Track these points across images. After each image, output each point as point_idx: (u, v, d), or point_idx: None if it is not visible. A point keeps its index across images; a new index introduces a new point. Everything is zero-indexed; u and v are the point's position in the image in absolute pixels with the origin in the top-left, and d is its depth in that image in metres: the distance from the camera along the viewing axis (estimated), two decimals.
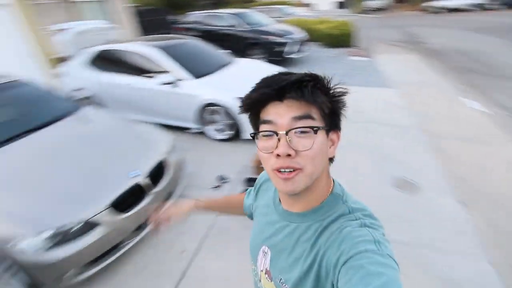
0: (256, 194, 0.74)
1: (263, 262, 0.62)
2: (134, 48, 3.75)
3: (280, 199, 0.61)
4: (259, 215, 0.70)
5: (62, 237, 1.54)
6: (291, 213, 0.58)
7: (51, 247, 1.50)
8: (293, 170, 0.48)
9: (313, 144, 0.47)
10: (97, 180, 1.85)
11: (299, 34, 7.46)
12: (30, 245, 1.46)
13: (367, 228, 0.48)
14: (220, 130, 3.56)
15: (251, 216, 0.80)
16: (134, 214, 1.84)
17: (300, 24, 9.53)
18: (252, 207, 0.76)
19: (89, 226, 1.63)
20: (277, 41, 6.64)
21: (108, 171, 1.92)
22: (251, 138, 0.54)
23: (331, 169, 0.59)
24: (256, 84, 0.52)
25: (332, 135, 0.53)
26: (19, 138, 2.03)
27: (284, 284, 0.55)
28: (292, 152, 0.47)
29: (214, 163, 3.10)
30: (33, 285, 1.60)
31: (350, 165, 2.88)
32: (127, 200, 1.83)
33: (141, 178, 1.93)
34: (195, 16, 8.30)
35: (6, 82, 2.45)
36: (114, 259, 1.79)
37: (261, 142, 0.52)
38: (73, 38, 4.16)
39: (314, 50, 8.77)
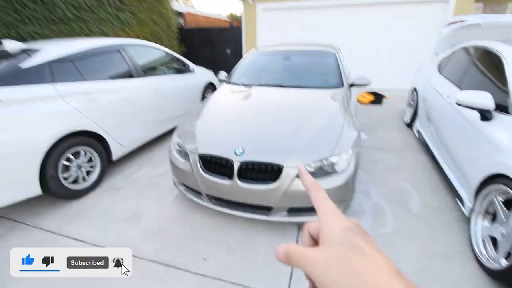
0: None
1: None
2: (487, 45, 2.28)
3: None
4: None
5: (179, 151, 1.95)
6: None
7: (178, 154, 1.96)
8: None
9: None
10: (229, 131, 1.91)
11: None
12: (175, 144, 2.01)
13: None
14: (503, 243, 1.49)
15: None
16: (210, 180, 1.70)
17: None
18: None
19: (184, 154, 1.86)
20: None
21: (241, 132, 1.87)
22: None
23: None
24: None
25: None
26: (281, 87, 2.61)
27: None
28: None
29: None
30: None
31: None
32: (215, 167, 1.72)
33: (236, 159, 1.63)
34: None
35: (326, 51, 3.16)
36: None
37: None
38: (451, 32, 3.30)
39: None
